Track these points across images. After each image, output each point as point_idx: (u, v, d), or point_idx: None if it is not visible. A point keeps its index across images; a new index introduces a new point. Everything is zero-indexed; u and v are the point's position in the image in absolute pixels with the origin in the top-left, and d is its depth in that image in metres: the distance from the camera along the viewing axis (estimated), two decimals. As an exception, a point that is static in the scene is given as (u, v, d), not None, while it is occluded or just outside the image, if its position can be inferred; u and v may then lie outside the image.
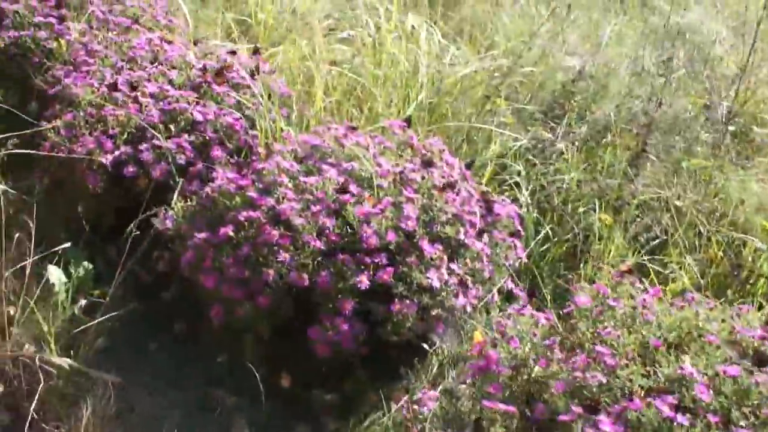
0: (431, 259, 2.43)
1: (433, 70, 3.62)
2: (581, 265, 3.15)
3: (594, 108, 3.86)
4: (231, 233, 2.44)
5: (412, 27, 3.88)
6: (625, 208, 3.26)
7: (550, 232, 3.17)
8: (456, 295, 2.45)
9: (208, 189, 2.68)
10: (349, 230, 2.46)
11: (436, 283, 2.39)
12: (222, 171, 2.76)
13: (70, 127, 2.98)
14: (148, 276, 2.91)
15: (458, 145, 3.56)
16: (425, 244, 2.43)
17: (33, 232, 2.72)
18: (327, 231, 2.41)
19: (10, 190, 2.84)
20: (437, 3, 4.50)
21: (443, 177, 2.65)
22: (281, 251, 2.36)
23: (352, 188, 2.54)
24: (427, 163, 2.66)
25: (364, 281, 2.34)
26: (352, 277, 2.36)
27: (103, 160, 2.87)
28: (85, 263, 2.86)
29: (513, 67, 3.86)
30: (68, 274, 2.82)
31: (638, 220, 3.30)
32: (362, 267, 2.38)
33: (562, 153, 3.58)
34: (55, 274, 2.75)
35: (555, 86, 4.02)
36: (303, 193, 2.54)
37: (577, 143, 3.62)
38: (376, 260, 2.37)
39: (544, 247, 3.14)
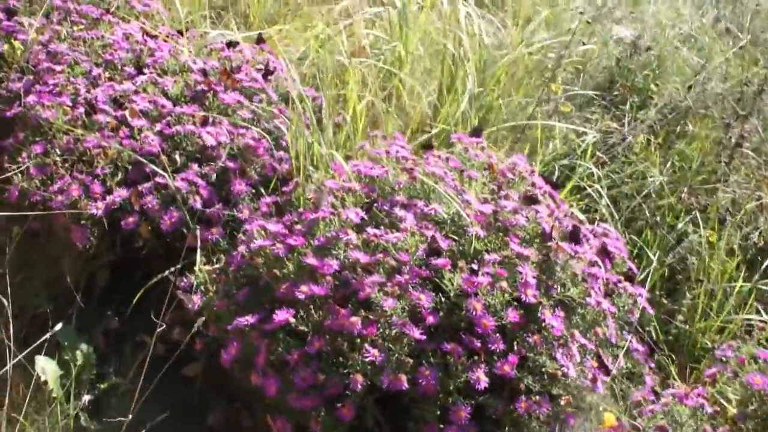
0: (558, 336, 1.83)
1: (478, 54, 2.96)
2: (685, 291, 2.59)
3: (657, 89, 3.26)
4: (292, 319, 1.80)
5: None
6: (727, 221, 2.69)
7: (650, 254, 2.58)
8: (593, 381, 1.87)
9: (243, 249, 2.02)
10: (444, 300, 1.84)
11: (572, 372, 1.80)
12: (257, 219, 2.10)
13: (43, 166, 2.27)
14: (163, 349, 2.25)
15: (513, 142, 2.94)
16: (550, 317, 1.83)
17: (9, 314, 2.06)
18: (423, 311, 1.79)
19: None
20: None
21: (552, 217, 2.04)
22: (367, 346, 1.73)
23: (442, 242, 1.91)
24: (531, 200, 2.04)
25: (481, 379, 1.73)
26: (464, 372, 1.75)
27: (94, 211, 2.18)
28: (83, 346, 2.19)
29: (566, 43, 3.22)
30: (61, 361, 2.16)
31: (739, 230, 2.74)
32: (474, 356, 1.77)
33: (632, 147, 2.99)
34: (45, 367, 2.09)
35: (608, 62, 3.41)
36: (375, 252, 1.91)
37: (650, 134, 3.03)
38: (492, 346, 1.77)
39: (642, 275, 2.56)
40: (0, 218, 2.37)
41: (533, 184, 2.23)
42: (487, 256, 1.89)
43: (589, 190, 2.72)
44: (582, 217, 2.43)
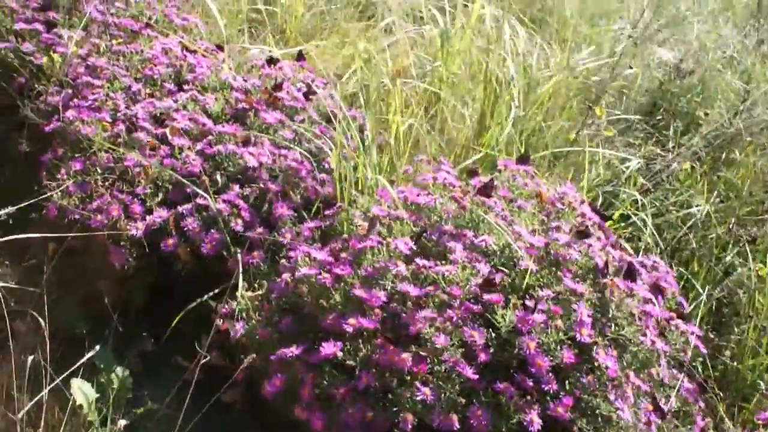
0: (612, 377, 1.76)
1: (522, 75, 2.90)
2: (733, 326, 2.52)
3: (702, 113, 3.19)
4: (339, 353, 1.74)
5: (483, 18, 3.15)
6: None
7: (698, 287, 2.51)
8: (647, 424, 1.80)
9: (287, 276, 1.97)
10: (494, 336, 1.78)
11: (627, 414, 1.73)
12: (300, 245, 2.05)
13: (82, 184, 2.23)
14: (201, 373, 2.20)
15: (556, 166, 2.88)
16: (604, 357, 1.76)
17: (46, 334, 2.02)
18: (476, 348, 1.73)
19: (11, 285, 2.09)
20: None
21: (605, 251, 1.97)
22: (418, 383, 1.68)
23: (487, 272, 1.86)
24: (583, 234, 1.97)
25: (535, 421, 1.67)
26: (516, 412, 1.69)
27: (133, 232, 2.13)
28: (119, 369, 2.15)
29: (611, 66, 3.16)
30: (97, 384, 2.12)
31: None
32: (527, 396, 1.71)
33: (676, 174, 2.92)
34: (80, 390, 2.04)
35: (651, 85, 3.34)
36: (424, 284, 1.85)
37: (695, 161, 2.96)
38: (546, 387, 1.71)
39: (690, 309, 2.49)
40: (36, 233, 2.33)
41: (582, 215, 2.17)
42: (540, 292, 1.83)
43: (634, 218, 2.65)
44: (629, 248, 2.36)
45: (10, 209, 2.06)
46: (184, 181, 2.19)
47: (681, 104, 3.21)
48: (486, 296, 1.78)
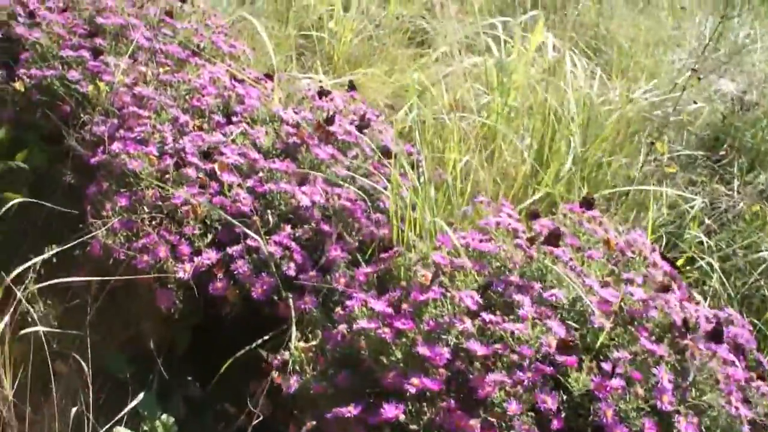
0: (696, 448, 1.63)
1: (582, 109, 2.78)
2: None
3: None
4: (401, 416, 1.63)
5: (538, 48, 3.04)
6: None
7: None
8: (733, 501, 1.67)
9: (343, 327, 1.86)
10: (565, 400, 1.66)
11: (714, 493, 1.60)
12: (356, 292, 1.94)
13: (128, 222, 2.14)
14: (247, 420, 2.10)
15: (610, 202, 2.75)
16: (685, 427, 1.63)
17: (89, 379, 1.94)
18: (549, 414, 1.60)
19: (53, 330, 2.00)
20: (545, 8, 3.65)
21: (681, 307, 1.85)
22: (488, 455, 1.56)
23: (560, 331, 1.73)
24: (663, 289, 1.85)
25: (613, 498, 1.54)
26: (593, 488, 1.56)
27: (181, 274, 2.04)
28: (164, 416, 2.05)
29: (673, 100, 3.03)
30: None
31: None
32: (603, 470, 1.58)
33: (743, 215, 2.78)
34: (125, 441, 1.95)
35: (713, 118, 3.20)
36: (491, 341, 1.73)
37: (762, 201, 2.81)
38: (624, 460, 1.58)
39: (762, 361, 2.34)
40: (79, 272, 2.25)
41: (654, 264, 2.04)
42: (616, 353, 1.70)
43: (701, 262, 2.51)
44: (700, 298, 2.23)
45: (55, 250, 1.97)
46: (234, 221, 2.09)
47: (746, 139, 3.07)
48: (560, 358, 1.66)
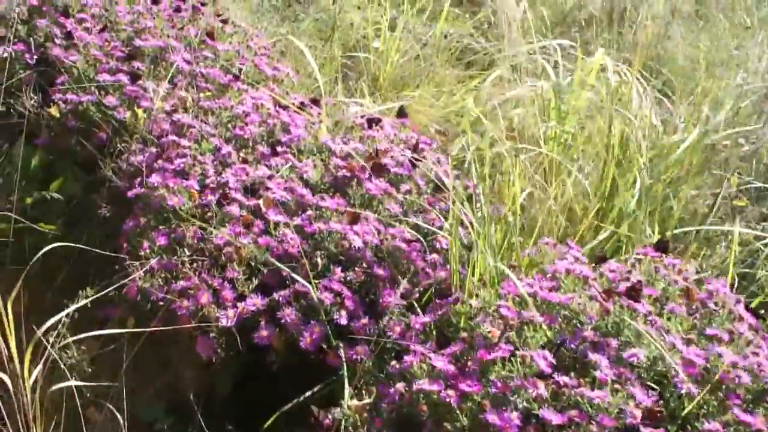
0: None
1: (648, 139, 2.61)
2: None
3: None
4: (469, 495, 1.47)
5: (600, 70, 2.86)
6: None
7: None
8: None
9: (401, 387, 1.70)
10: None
11: None
12: (415, 347, 1.78)
13: (167, 263, 2.00)
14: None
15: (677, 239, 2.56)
16: None
17: (124, 430, 1.81)
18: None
19: (87, 383, 1.86)
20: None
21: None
22: None
23: (644, 398, 1.56)
24: (755, 353, 1.67)
25: None
26: None
27: (223, 322, 1.89)
28: (205, 475, 1.91)
29: (738, 123, 2.84)
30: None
31: None
32: None
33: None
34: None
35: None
36: (564, 405, 1.56)
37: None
38: None
39: None
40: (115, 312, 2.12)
41: (740, 318, 1.86)
42: (706, 424, 1.53)
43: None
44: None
45: (90, 297, 1.83)
46: (281, 265, 1.94)
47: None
48: (646, 430, 1.49)
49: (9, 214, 2.25)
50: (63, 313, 1.70)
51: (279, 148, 2.32)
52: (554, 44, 2.86)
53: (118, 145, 2.45)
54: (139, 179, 2.29)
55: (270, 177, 2.17)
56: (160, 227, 2.11)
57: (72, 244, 2.01)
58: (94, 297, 1.82)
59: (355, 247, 2.01)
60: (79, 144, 2.55)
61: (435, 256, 2.10)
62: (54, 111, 2.56)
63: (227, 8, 3.43)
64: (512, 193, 2.24)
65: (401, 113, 2.66)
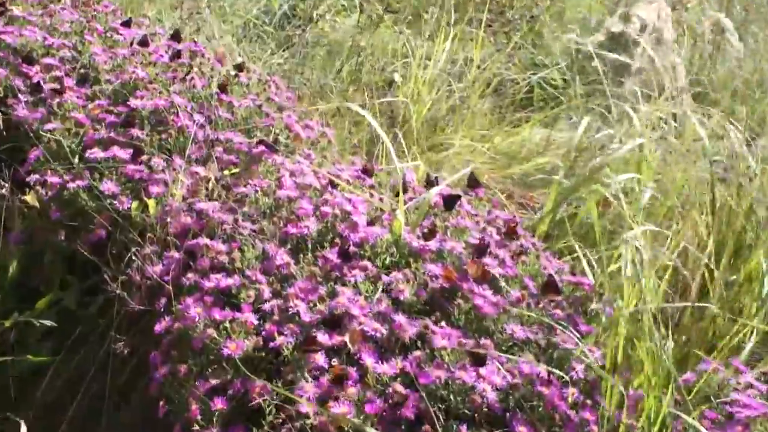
0: None
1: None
2: None
3: None
4: None
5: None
6: None
7: None
8: None
9: None
10: None
11: None
12: None
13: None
14: None
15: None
16: None
17: None
18: None
19: None
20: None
21: None
22: None
23: None
24: None
25: None
26: None
27: None
28: None
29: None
30: None
31: None
32: None
33: None
34: None
35: None
36: None
37: None
38: None
39: None
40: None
41: None
42: None
43: None
44: None
45: None
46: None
47: None
48: None
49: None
50: None
51: (347, 248, 1.76)
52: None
53: (123, 248, 1.86)
54: (163, 301, 1.71)
55: (353, 300, 1.62)
56: (211, 379, 1.54)
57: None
58: None
59: (488, 399, 1.49)
60: (67, 240, 1.94)
61: (575, 391, 1.59)
62: (30, 198, 1.95)
63: (213, 35, 2.84)
64: (630, 293, 1.74)
65: (473, 182, 2.14)
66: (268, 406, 1.46)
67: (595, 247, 1.96)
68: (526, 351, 1.65)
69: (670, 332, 1.80)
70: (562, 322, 1.71)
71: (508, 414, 1.53)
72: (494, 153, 2.59)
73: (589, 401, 1.59)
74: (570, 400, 1.57)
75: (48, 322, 1.82)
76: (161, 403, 1.59)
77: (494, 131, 2.72)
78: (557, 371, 1.60)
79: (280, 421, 1.44)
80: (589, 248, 1.91)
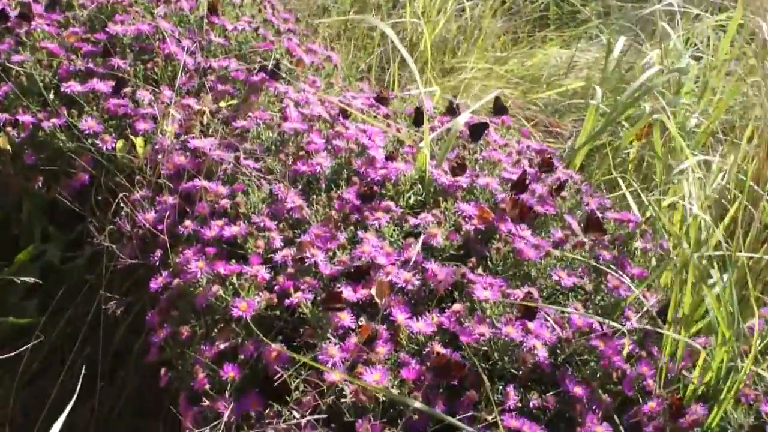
0: None
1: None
2: None
3: None
4: None
5: None
6: None
7: None
8: None
9: None
10: None
11: None
12: None
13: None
14: None
15: None
16: None
17: None
18: None
19: None
20: None
21: None
22: None
23: None
24: None
25: None
26: None
27: None
28: None
29: None
30: None
31: None
32: None
33: None
34: None
35: None
36: None
37: None
38: None
39: None
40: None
41: None
42: None
43: None
44: None
45: None
46: (447, 417, 1.21)
47: None
48: None
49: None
50: None
51: (367, 188, 1.54)
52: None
53: (109, 194, 1.63)
54: (158, 253, 1.50)
55: (378, 249, 1.41)
56: (219, 344, 1.34)
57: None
58: None
59: (540, 358, 1.29)
60: (46, 187, 1.71)
61: (626, 341, 1.40)
62: (1, 141, 1.71)
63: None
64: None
65: (500, 109, 1.91)
66: (290, 376, 1.26)
67: (639, 180, 1.75)
68: (572, 299, 1.46)
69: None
70: (611, 265, 1.51)
71: (557, 372, 1.35)
72: (514, 77, 2.36)
73: (643, 353, 1.42)
74: (624, 352, 1.39)
75: (31, 279, 1.60)
76: (162, 371, 1.39)
77: (509, 53, 2.48)
78: (610, 321, 1.40)
79: (302, 391, 1.24)
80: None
